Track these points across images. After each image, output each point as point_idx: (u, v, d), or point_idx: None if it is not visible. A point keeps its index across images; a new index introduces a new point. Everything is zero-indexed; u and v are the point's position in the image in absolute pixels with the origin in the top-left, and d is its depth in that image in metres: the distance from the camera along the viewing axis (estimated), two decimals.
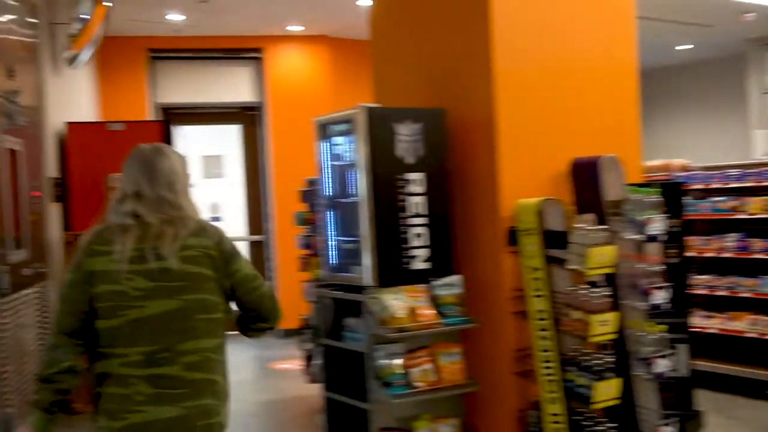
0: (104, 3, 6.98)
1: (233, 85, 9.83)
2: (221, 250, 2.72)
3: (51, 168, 6.68)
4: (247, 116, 9.93)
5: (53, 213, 6.70)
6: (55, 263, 6.58)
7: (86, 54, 7.21)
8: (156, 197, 2.71)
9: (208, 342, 2.66)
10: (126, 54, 9.29)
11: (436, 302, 4.58)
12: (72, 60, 7.10)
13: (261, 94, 9.83)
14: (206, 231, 2.73)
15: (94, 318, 2.62)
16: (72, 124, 7.09)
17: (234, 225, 9.77)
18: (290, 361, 8.10)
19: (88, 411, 2.65)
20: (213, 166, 10.01)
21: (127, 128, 7.12)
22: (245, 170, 9.94)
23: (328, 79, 9.72)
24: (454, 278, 4.65)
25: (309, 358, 6.24)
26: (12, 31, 5.80)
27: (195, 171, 9.50)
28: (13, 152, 5.63)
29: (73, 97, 7.82)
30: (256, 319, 2.86)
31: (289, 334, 9.24)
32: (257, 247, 9.94)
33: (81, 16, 6.91)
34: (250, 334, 2.93)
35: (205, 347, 2.65)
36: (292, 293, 9.02)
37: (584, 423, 4.41)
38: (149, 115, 9.39)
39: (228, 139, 10.00)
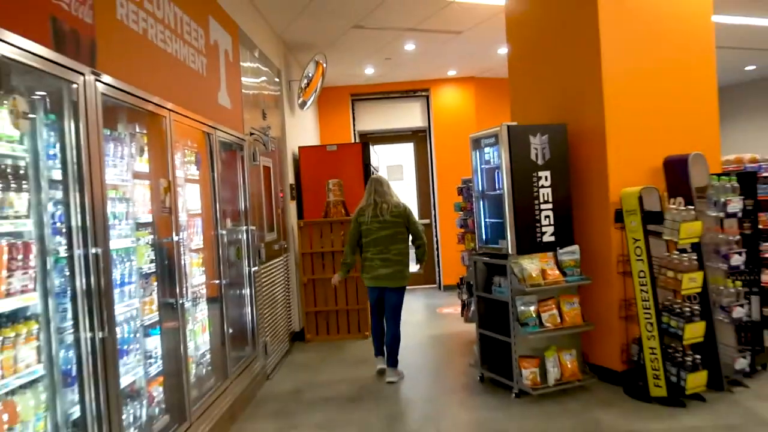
0: (323, 64, 7.23)
1: (408, 115, 9.90)
2: (406, 214, 5.04)
3: (290, 177, 6.98)
4: (418, 137, 9.99)
5: (291, 207, 7.00)
6: (293, 241, 6.89)
7: (311, 100, 7.51)
8: (383, 192, 5.10)
9: (400, 246, 4.99)
10: (336, 98, 9.59)
11: (560, 265, 4.50)
12: (302, 105, 7.41)
13: (428, 120, 9.85)
14: (399, 206, 5.08)
15: (360, 239, 5.08)
16: (302, 148, 7.36)
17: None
18: (451, 307, 8.10)
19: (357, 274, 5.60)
20: (395, 172, 10.16)
21: (338, 149, 7.31)
22: (417, 174, 10.04)
23: (475, 107, 9.60)
24: (573, 247, 4.54)
25: (465, 306, 6.22)
26: (265, 87, 6.13)
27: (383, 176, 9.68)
28: (267, 168, 5.95)
29: (303, 129, 8.15)
30: (414, 242, 5.05)
31: (449, 288, 9.29)
32: (426, 228, 9.99)
33: (308, 74, 7.21)
34: (417, 257, 5.07)
35: (399, 248, 4.99)
36: (451, 260, 9.07)
37: (675, 355, 4.19)
38: (352, 138, 9.67)
39: (405, 153, 10.13)
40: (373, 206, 5.04)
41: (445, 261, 9.56)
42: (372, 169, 7.42)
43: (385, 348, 5.12)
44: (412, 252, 5.07)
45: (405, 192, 10.11)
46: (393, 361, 5.05)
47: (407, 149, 10.11)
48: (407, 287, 5.13)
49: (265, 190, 5.78)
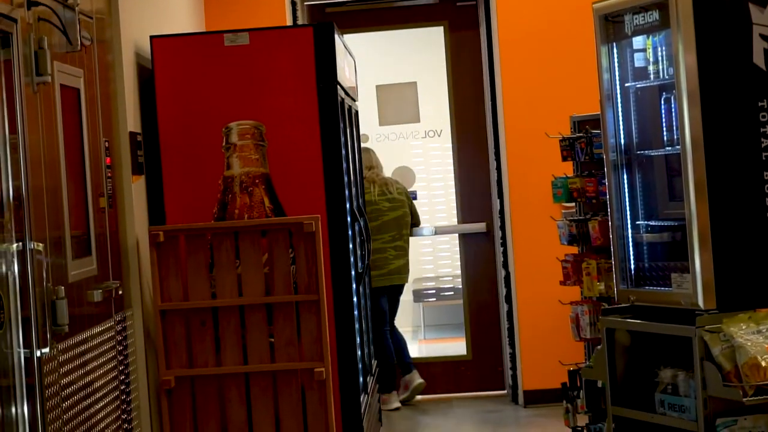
0: None
1: None
2: (407, 194, 11.29)
3: (130, 116, 6.94)
4: (456, 11, 10.06)
5: (134, 193, 6.91)
6: (137, 281, 6.77)
7: None
8: (379, 163, 11.18)
9: (408, 232, 11.22)
10: None
11: None
12: None
13: None
14: (398, 181, 11.41)
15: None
16: (161, 40, 7.34)
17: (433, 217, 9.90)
18: None
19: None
20: (400, 105, 10.21)
21: (253, 42, 7.30)
22: (453, 106, 10.11)
23: None
24: None
25: None
26: None
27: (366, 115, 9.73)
28: (72, 92, 5.86)
29: None
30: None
31: (540, 399, 9.39)
32: (473, 244, 10.40)
33: None
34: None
35: (408, 234, 11.21)
36: (544, 329, 9.21)
37: None
38: (288, 17, 9.67)
39: (423, 54, 10.14)
40: (379, 181, 10.45)
41: (528, 331, 9.75)
42: (340, 93, 7.41)
43: (402, 359, 10.91)
44: None
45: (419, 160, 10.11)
46: (410, 363, 10.92)
47: (428, 45, 10.18)
48: None
49: (68, 147, 5.73)
